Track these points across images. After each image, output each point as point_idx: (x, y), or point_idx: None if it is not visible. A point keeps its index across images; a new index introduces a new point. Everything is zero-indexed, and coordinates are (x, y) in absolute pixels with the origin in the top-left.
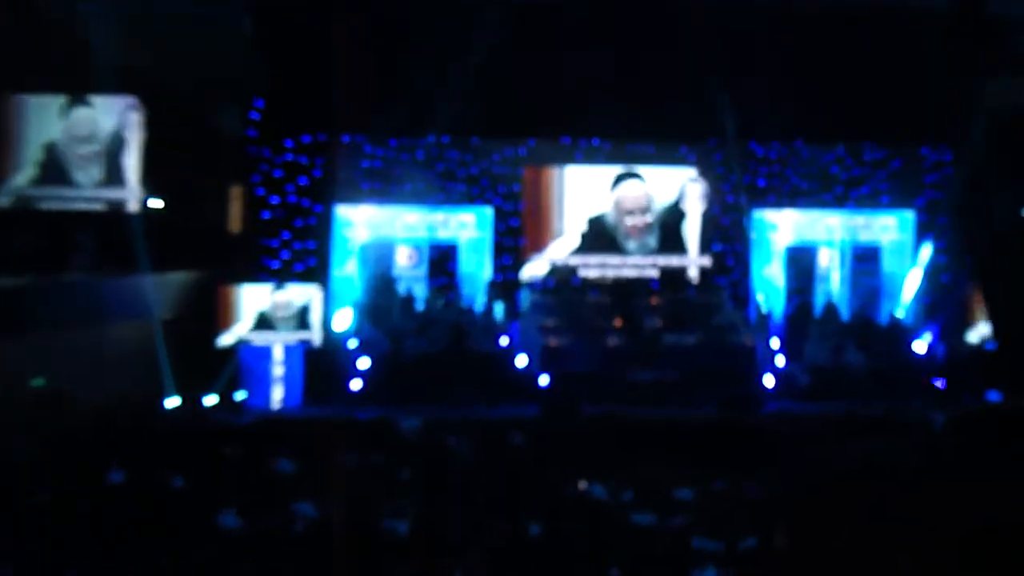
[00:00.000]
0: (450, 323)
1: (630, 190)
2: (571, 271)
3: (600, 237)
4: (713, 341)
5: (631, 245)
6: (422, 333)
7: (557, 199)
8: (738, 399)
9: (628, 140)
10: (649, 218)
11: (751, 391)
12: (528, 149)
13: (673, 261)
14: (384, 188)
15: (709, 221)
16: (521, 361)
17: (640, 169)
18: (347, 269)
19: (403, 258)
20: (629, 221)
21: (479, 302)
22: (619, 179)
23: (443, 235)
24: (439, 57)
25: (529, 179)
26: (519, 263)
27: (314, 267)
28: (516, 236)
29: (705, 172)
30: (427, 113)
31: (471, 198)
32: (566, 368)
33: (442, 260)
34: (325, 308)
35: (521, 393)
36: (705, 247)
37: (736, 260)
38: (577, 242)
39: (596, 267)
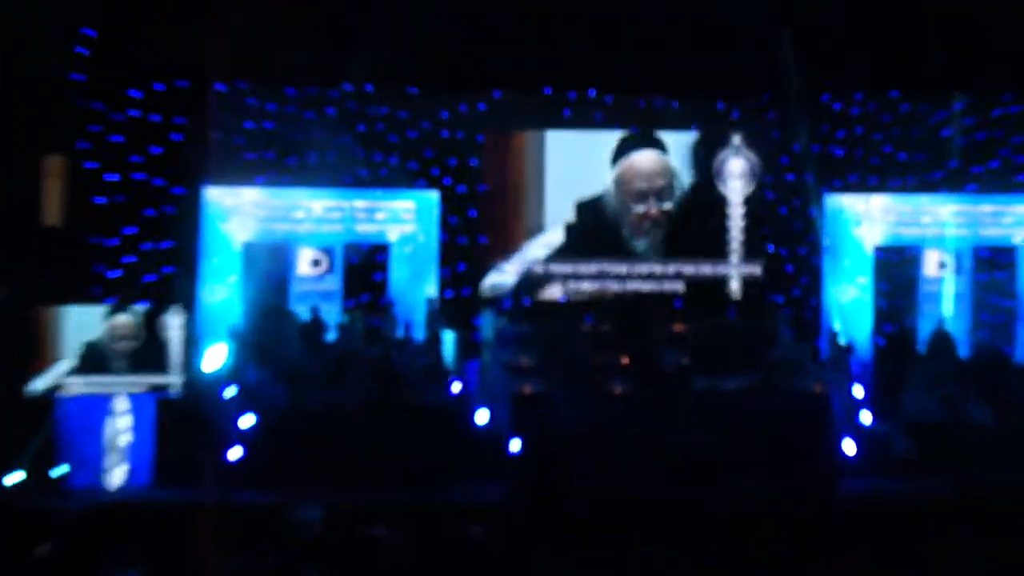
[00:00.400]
0: (376, 362)
1: (641, 164)
2: (555, 284)
3: (597, 234)
4: (766, 388)
5: (641, 244)
6: (335, 378)
7: (534, 178)
8: (803, 475)
9: (640, 92)
10: (668, 205)
11: (822, 463)
12: (491, 104)
13: (706, 269)
14: (278, 162)
15: (759, 211)
16: (481, 418)
17: (656, 134)
18: (223, 282)
19: (305, 265)
20: (639, 209)
21: (419, 331)
22: (625, 148)
23: (365, 231)
24: None
25: (493, 149)
26: (478, 272)
27: (172, 279)
28: (474, 232)
29: (754, 139)
30: (341, 50)
31: (408, 177)
32: (548, 428)
33: (364, 268)
34: (190, 340)
35: (482, 465)
36: (753, 249)
37: (799, 268)
38: (563, 241)
39: (593, 278)
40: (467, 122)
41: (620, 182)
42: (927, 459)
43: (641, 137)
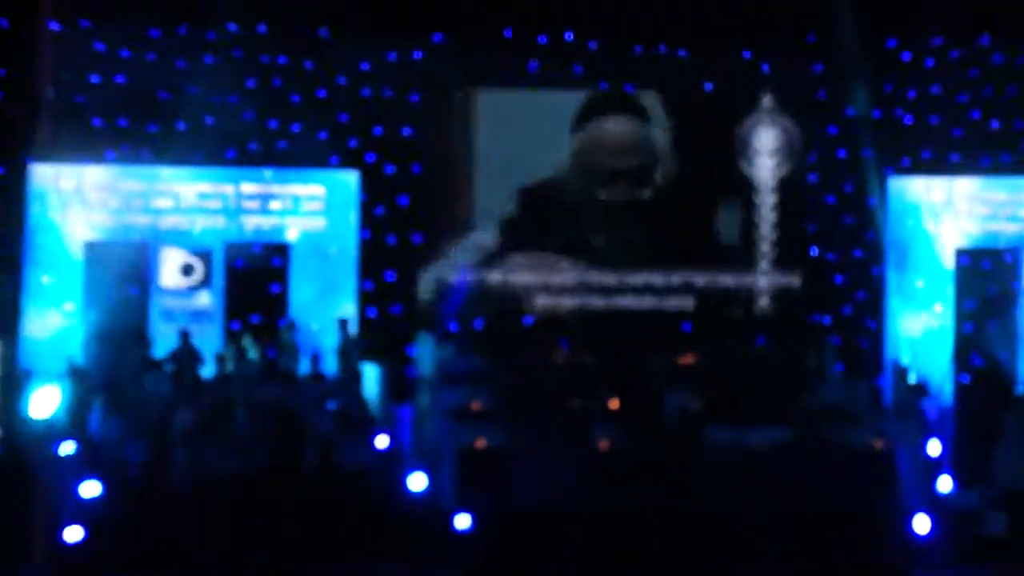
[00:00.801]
0: (271, 409)
1: (612, 131)
2: (516, 297)
3: (566, 229)
4: (805, 444)
5: (617, 245)
6: (212, 430)
7: (487, 153)
8: (862, 564)
9: (634, 38)
10: (646, 192)
11: (887, 547)
12: (430, 53)
13: (723, 279)
14: (135, 130)
15: (798, 200)
16: (416, 483)
17: (645, 94)
18: (57, 298)
19: (172, 273)
20: (608, 194)
21: (331, 364)
22: (593, 110)
23: (256, 227)
24: None
25: (432, 114)
26: (412, 283)
27: None
28: (406, 228)
29: (792, 101)
30: None
31: (316, 152)
32: (508, 498)
33: (254, 278)
34: (11, 377)
35: (417, 549)
36: (789, 253)
37: (853, 279)
38: (525, 240)
39: (566, 290)
40: (397, 77)
41: (584, 154)
42: None
43: (616, 98)
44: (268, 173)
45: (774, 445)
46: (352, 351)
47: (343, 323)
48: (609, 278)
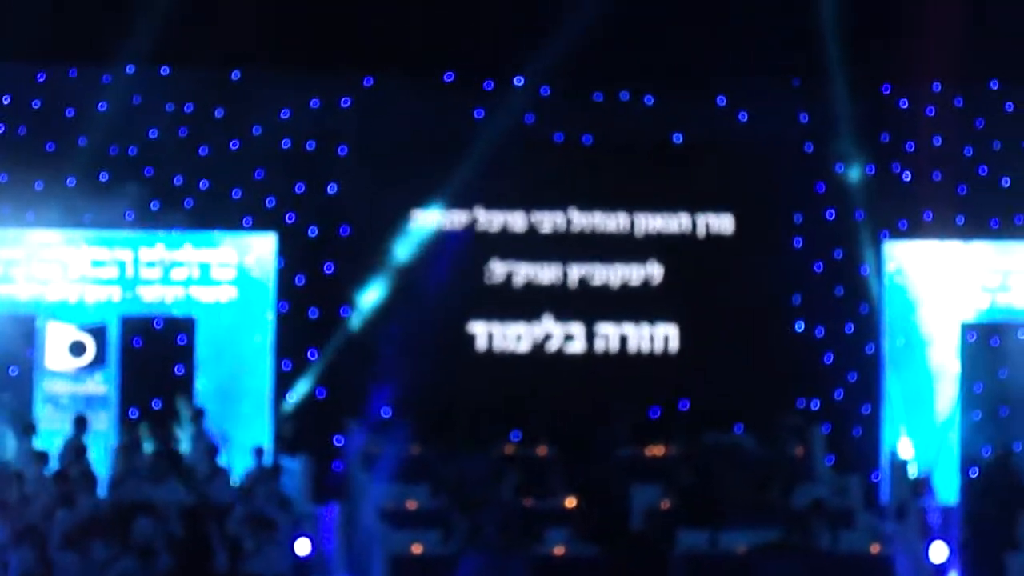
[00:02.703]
0: (174, 509)
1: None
2: (461, 377)
3: (522, 294)
4: (792, 548)
5: (579, 313)
6: (107, 533)
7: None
8: None
9: (592, 84)
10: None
11: None
12: (360, 97)
13: (682, 352)
14: (15, 187)
15: (780, 268)
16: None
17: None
18: None
19: (59, 352)
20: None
21: (244, 456)
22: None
23: (156, 299)
24: None
25: (362, 167)
26: (337, 360)
27: None
28: (331, 299)
29: (771, 154)
30: (119, 12)
31: (228, 212)
32: None
33: (154, 357)
34: None
35: None
36: (770, 328)
37: (845, 357)
38: (472, 309)
39: (519, 369)
40: (322, 126)
41: None
42: None
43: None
44: (171, 236)
45: (755, 550)
46: (270, 441)
47: (260, 410)
48: (569, 356)
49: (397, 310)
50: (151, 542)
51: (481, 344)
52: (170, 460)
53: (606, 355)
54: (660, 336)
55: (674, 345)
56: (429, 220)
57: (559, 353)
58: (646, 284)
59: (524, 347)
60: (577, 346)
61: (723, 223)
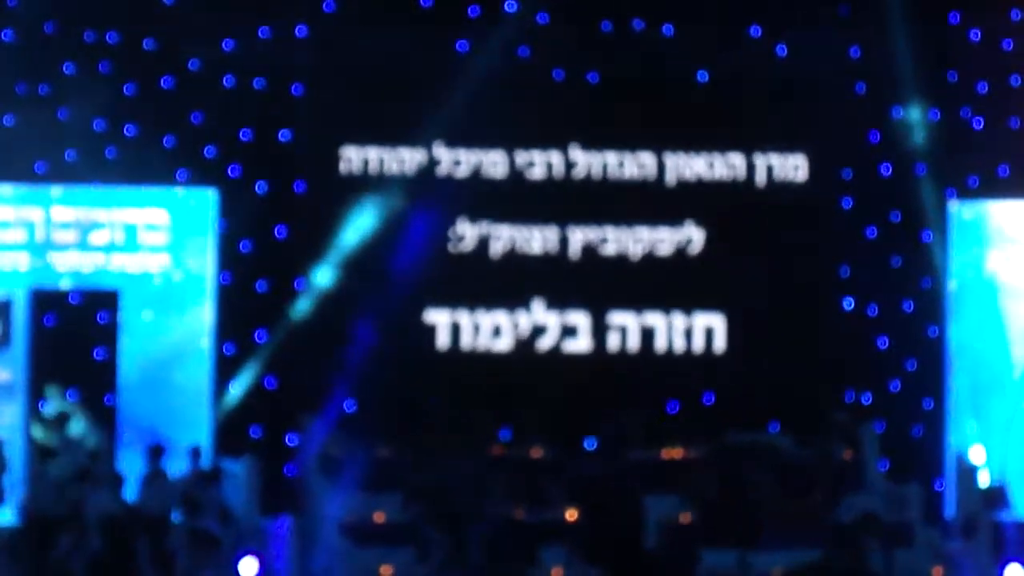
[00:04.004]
0: (96, 522)
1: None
2: (441, 363)
3: (515, 268)
4: (840, 570)
5: (584, 288)
6: (15, 551)
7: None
8: None
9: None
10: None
11: None
12: (317, 24)
13: (706, 332)
14: None
15: (825, 235)
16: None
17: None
18: None
19: None
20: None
21: (178, 459)
22: None
23: (72, 268)
24: None
25: (321, 109)
26: (290, 341)
27: None
28: (282, 267)
29: (815, 95)
30: None
31: (160, 163)
32: None
33: (70, 338)
34: None
35: None
36: (813, 306)
37: (903, 341)
38: (454, 282)
39: (511, 354)
40: (273, 59)
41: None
42: None
43: None
44: (90, 193)
45: (793, 572)
46: (208, 440)
47: (197, 400)
48: (572, 337)
49: (362, 283)
50: (67, 561)
51: (443, 340)
52: (90, 462)
53: (622, 356)
54: (700, 329)
55: (720, 339)
56: (401, 169)
57: (554, 353)
58: (681, 254)
59: (504, 345)
60: (580, 344)
61: (751, 184)
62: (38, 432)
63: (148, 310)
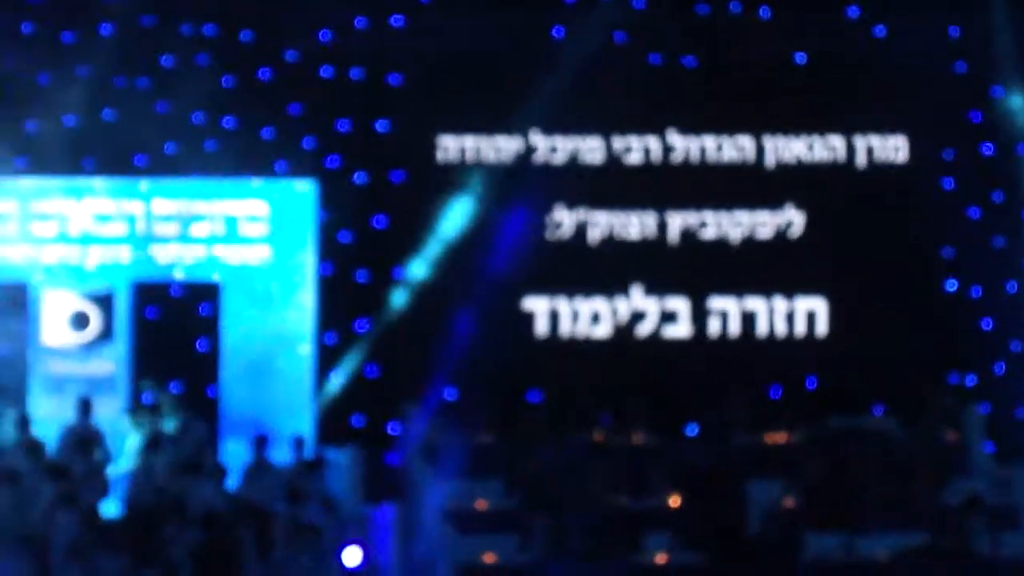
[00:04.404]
0: (197, 513)
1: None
2: (542, 352)
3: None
4: (943, 554)
5: (681, 275)
6: (116, 542)
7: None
8: None
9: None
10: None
11: None
12: (415, 20)
13: (818, 321)
14: (9, 128)
15: (927, 215)
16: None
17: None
18: None
19: (57, 325)
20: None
21: (281, 450)
22: None
23: (173, 261)
24: None
25: (421, 99)
26: (391, 331)
27: None
28: (383, 257)
29: (913, 73)
30: None
31: (256, 156)
32: None
33: (171, 330)
34: None
35: None
36: (914, 287)
37: (1007, 322)
38: (558, 268)
39: (611, 342)
40: (369, 48)
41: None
42: None
43: None
44: (191, 185)
45: (899, 556)
46: (311, 431)
47: (301, 393)
48: (672, 323)
49: (461, 272)
50: (167, 553)
51: (542, 328)
52: (191, 454)
53: (723, 341)
54: (802, 312)
55: (822, 323)
56: (497, 157)
57: (654, 339)
58: (781, 237)
59: (603, 332)
60: (680, 329)
61: (851, 164)
62: (141, 425)
63: (250, 302)
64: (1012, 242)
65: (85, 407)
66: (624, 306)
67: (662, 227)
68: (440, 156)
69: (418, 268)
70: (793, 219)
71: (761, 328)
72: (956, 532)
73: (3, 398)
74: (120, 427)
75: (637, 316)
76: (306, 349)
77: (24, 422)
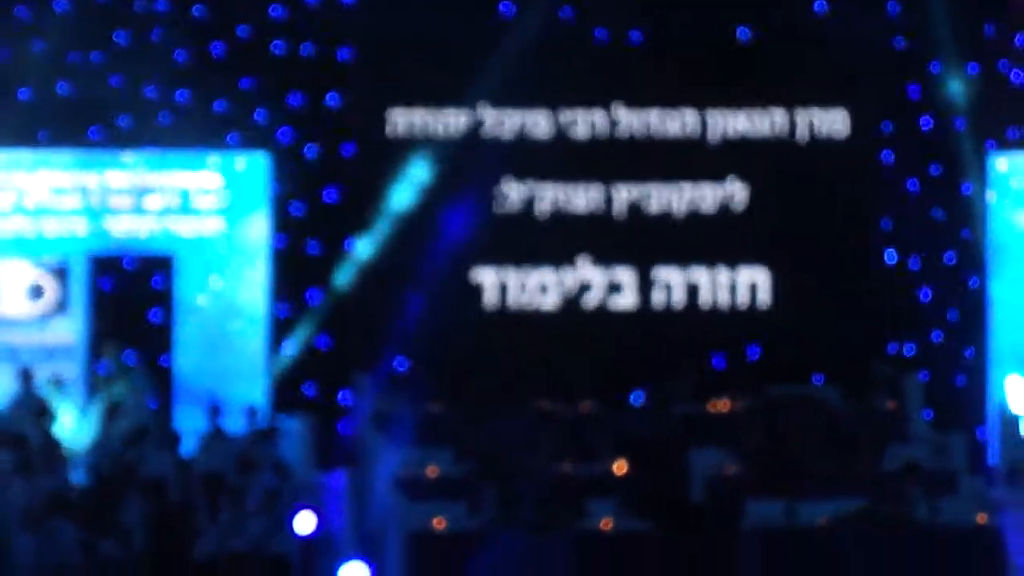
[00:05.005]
0: (151, 481)
1: None
2: (490, 322)
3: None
4: (882, 520)
5: (628, 246)
6: (70, 510)
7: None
8: None
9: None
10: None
11: None
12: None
13: (761, 291)
14: None
15: (867, 188)
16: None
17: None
18: None
19: (13, 296)
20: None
21: (234, 417)
22: None
23: (127, 233)
24: None
25: (374, 73)
26: (342, 302)
27: None
28: (335, 229)
29: (858, 52)
30: None
31: (210, 128)
32: None
33: (127, 301)
34: None
35: None
36: (855, 259)
37: (944, 292)
38: (502, 241)
39: (559, 313)
40: (320, 23)
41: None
42: None
43: None
44: (145, 157)
45: (839, 522)
46: (264, 399)
47: (252, 360)
48: (617, 294)
49: (411, 244)
50: (121, 519)
51: (490, 299)
52: (145, 422)
53: (667, 312)
54: (744, 284)
55: (764, 294)
56: (447, 131)
57: (600, 310)
58: (725, 210)
59: (550, 303)
60: (626, 300)
61: (793, 139)
62: (98, 394)
63: (203, 273)
64: (949, 214)
65: (26, 376)
66: (571, 277)
67: (608, 200)
68: (390, 130)
69: (369, 241)
70: (736, 192)
71: (704, 299)
72: (895, 498)
73: None
74: (76, 397)
75: (584, 287)
76: (259, 320)
77: None
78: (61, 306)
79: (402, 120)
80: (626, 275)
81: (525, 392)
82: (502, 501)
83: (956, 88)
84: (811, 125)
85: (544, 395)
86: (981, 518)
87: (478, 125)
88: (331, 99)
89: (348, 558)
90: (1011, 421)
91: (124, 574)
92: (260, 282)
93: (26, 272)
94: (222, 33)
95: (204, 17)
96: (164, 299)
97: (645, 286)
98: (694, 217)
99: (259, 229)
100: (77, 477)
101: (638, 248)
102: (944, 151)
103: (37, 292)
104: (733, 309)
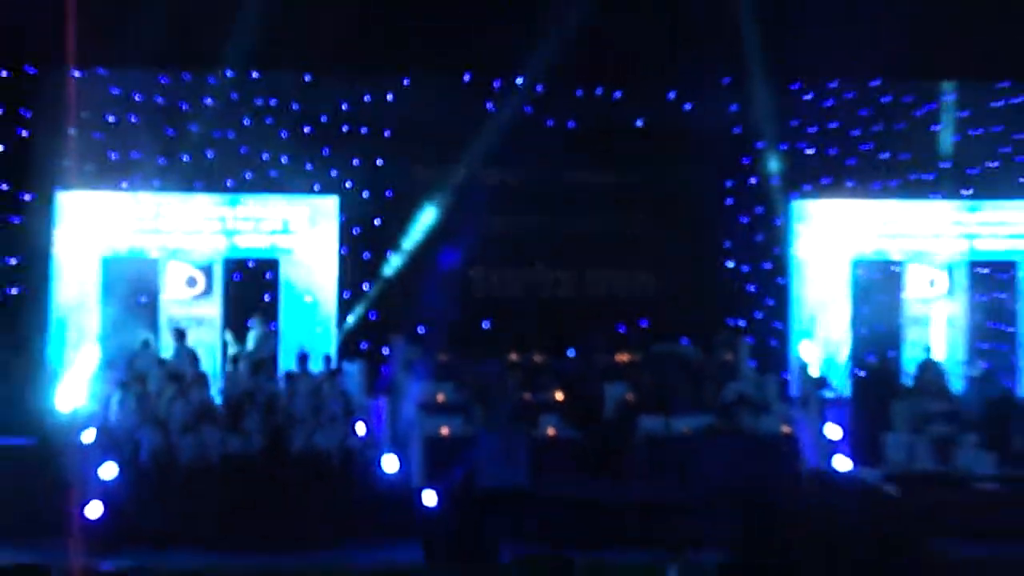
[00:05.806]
0: (263, 403)
1: None
2: (476, 305)
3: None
4: (723, 430)
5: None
6: (213, 418)
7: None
8: (767, 532)
9: (578, 82)
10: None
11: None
12: (400, 92)
13: (646, 286)
14: (146, 162)
15: (715, 222)
16: (389, 465)
17: None
18: (78, 305)
19: (176, 285)
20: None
21: (316, 362)
22: None
23: (250, 244)
24: None
25: (402, 146)
26: (383, 291)
27: (18, 305)
28: (379, 245)
29: (709, 135)
30: (220, 27)
31: (301, 180)
32: (472, 479)
33: (249, 289)
34: (37, 378)
35: (390, 523)
36: (707, 266)
37: (764, 287)
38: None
39: (522, 301)
40: (372, 114)
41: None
42: (916, 517)
43: None
44: (261, 198)
45: (697, 432)
46: (335, 351)
47: (327, 327)
48: (561, 289)
49: (429, 253)
50: (241, 430)
51: (479, 288)
52: (259, 364)
53: (591, 298)
54: (639, 282)
55: (651, 288)
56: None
57: (550, 297)
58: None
59: (517, 292)
60: (567, 291)
61: (670, 189)
62: (230, 346)
63: (297, 271)
64: (767, 238)
65: (180, 334)
66: (530, 276)
67: (555, 231)
68: (413, 182)
69: (401, 252)
70: (634, 224)
71: (615, 291)
72: (731, 416)
73: (143, 331)
74: (216, 348)
75: (540, 282)
76: (332, 300)
77: (147, 344)
78: (207, 291)
79: (422, 174)
80: (566, 275)
81: (500, 348)
82: (486, 417)
83: (772, 159)
84: (681, 180)
85: (512, 350)
86: (785, 429)
87: (470, 178)
88: (378, 161)
89: (386, 452)
90: (803, 368)
91: (248, 463)
92: (332, 277)
93: (185, 270)
94: (310, 119)
95: (299, 109)
96: (272, 287)
97: (580, 283)
98: (610, 240)
99: (331, 243)
100: (219, 398)
101: (574, 259)
102: (764, 198)
103: (192, 282)
104: (631, 297)
